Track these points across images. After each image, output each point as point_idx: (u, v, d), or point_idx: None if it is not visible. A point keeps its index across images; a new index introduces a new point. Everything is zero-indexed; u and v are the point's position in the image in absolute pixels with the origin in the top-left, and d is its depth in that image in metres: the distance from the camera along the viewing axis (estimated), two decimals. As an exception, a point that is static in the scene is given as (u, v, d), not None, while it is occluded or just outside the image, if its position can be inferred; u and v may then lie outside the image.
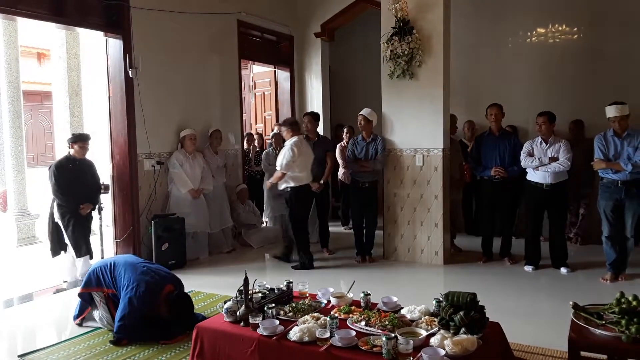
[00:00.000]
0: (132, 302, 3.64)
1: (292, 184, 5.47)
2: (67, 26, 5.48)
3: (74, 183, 5.17)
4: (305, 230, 5.72)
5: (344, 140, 6.94)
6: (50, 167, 5.25)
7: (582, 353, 2.58)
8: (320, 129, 6.76)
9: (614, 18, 6.48)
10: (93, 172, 5.41)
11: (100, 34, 5.59)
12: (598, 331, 2.53)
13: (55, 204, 5.20)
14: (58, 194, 5.14)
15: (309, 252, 5.65)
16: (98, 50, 6.01)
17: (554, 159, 5.09)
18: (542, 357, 3.28)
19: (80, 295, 4.06)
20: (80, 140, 5.27)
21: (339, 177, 6.98)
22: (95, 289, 3.94)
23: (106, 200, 5.68)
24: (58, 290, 5.12)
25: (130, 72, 5.55)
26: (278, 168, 5.47)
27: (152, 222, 5.54)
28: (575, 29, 6.77)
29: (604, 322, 2.57)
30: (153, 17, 5.75)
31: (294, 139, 5.47)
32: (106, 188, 5.54)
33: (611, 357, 2.76)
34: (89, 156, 5.42)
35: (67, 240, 5.21)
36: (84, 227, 5.24)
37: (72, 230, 5.14)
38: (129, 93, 5.60)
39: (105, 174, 5.81)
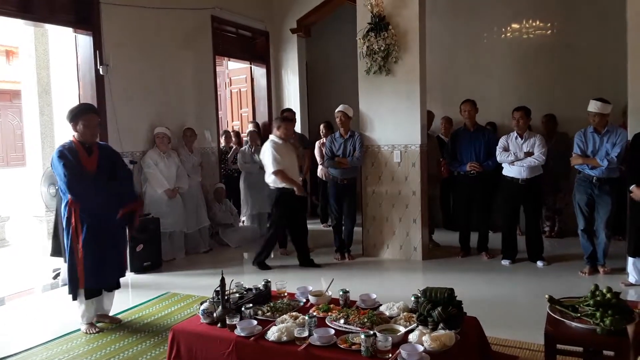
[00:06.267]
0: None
1: None
2: (35, 22, 5.33)
3: None
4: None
5: (322, 138, 6.93)
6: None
7: (558, 346, 2.61)
8: (297, 127, 6.74)
9: (586, 13, 6.60)
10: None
11: (70, 30, 5.46)
12: (573, 324, 2.56)
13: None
14: None
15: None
16: (68, 47, 5.86)
17: (529, 154, 5.15)
18: (520, 351, 3.31)
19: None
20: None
21: (318, 174, 6.98)
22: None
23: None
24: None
25: (100, 69, 5.43)
26: None
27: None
28: (549, 24, 6.88)
29: (579, 314, 2.59)
30: (124, 12, 5.63)
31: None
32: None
33: (586, 349, 2.79)
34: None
35: None
36: None
37: None
38: (100, 91, 5.48)
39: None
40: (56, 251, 4.99)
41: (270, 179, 5.37)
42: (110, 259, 3.95)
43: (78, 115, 3.84)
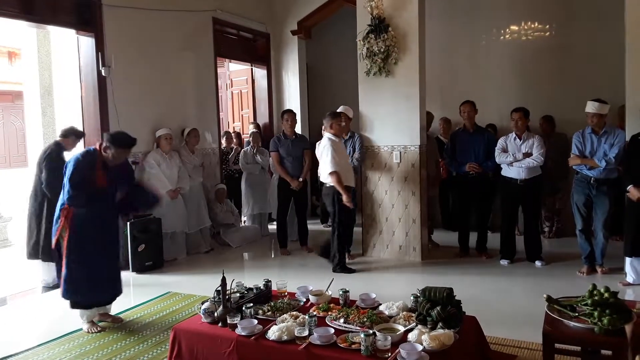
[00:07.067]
0: (73, 165, 3.71)
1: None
2: (38, 24, 5.37)
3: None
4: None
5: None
6: (46, 154, 4.93)
7: (557, 345, 2.63)
8: (298, 127, 6.77)
9: (584, 15, 6.61)
10: None
11: (72, 32, 5.48)
12: (572, 323, 2.58)
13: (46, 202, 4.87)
14: (52, 185, 4.72)
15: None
16: (70, 48, 5.90)
17: (527, 155, 5.18)
18: (518, 350, 3.33)
19: (54, 252, 4.00)
20: (73, 135, 5.04)
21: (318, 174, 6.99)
22: (61, 217, 3.83)
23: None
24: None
25: (103, 70, 5.46)
26: None
27: (128, 223, 5.45)
28: (547, 26, 6.89)
29: (577, 314, 2.61)
30: (126, 14, 5.66)
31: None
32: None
33: (584, 349, 2.82)
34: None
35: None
36: None
37: None
38: (102, 92, 5.51)
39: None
40: (32, 254, 5.03)
41: (329, 179, 5.17)
42: (100, 275, 3.91)
43: (115, 145, 3.80)
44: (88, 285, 3.85)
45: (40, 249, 4.99)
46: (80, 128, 5.30)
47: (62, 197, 3.82)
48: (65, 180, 3.74)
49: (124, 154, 3.92)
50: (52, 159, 4.89)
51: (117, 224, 4.14)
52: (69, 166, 3.77)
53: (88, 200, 3.75)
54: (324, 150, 5.15)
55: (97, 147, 3.86)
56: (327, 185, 5.24)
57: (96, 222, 3.84)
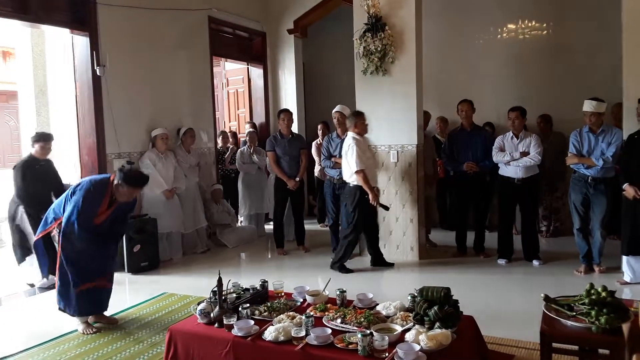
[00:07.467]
0: (83, 195, 3.72)
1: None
2: (32, 23, 5.32)
3: (37, 185, 4.96)
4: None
5: (319, 138, 6.94)
6: (15, 167, 5.05)
7: (554, 344, 2.62)
8: (295, 127, 6.75)
9: (581, 13, 6.62)
10: (57, 175, 5.21)
11: (66, 31, 5.46)
12: (569, 322, 2.57)
13: (21, 208, 4.99)
14: (21, 197, 4.93)
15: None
16: (64, 48, 5.86)
17: (525, 154, 5.17)
18: (516, 349, 3.33)
19: (36, 247, 4.15)
20: (41, 139, 5.05)
21: (315, 174, 6.99)
22: (53, 224, 3.86)
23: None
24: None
25: (97, 70, 5.43)
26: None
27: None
28: (544, 24, 6.90)
29: (574, 313, 2.60)
30: (121, 13, 5.63)
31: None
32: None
33: (582, 348, 2.81)
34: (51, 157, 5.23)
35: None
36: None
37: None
38: (97, 92, 5.48)
39: (74, 174, 5.67)
40: (21, 259, 5.10)
41: (353, 178, 5.12)
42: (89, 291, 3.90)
43: (127, 183, 3.75)
44: (80, 298, 3.87)
45: (29, 253, 5.02)
46: (51, 131, 5.37)
47: (63, 211, 3.79)
48: (72, 203, 3.74)
49: (135, 193, 3.92)
50: (18, 170, 5.00)
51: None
52: (79, 192, 3.76)
53: (80, 239, 3.74)
54: (348, 150, 5.11)
55: (112, 178, 3.84)
56: (350, 185, 5.20)
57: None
